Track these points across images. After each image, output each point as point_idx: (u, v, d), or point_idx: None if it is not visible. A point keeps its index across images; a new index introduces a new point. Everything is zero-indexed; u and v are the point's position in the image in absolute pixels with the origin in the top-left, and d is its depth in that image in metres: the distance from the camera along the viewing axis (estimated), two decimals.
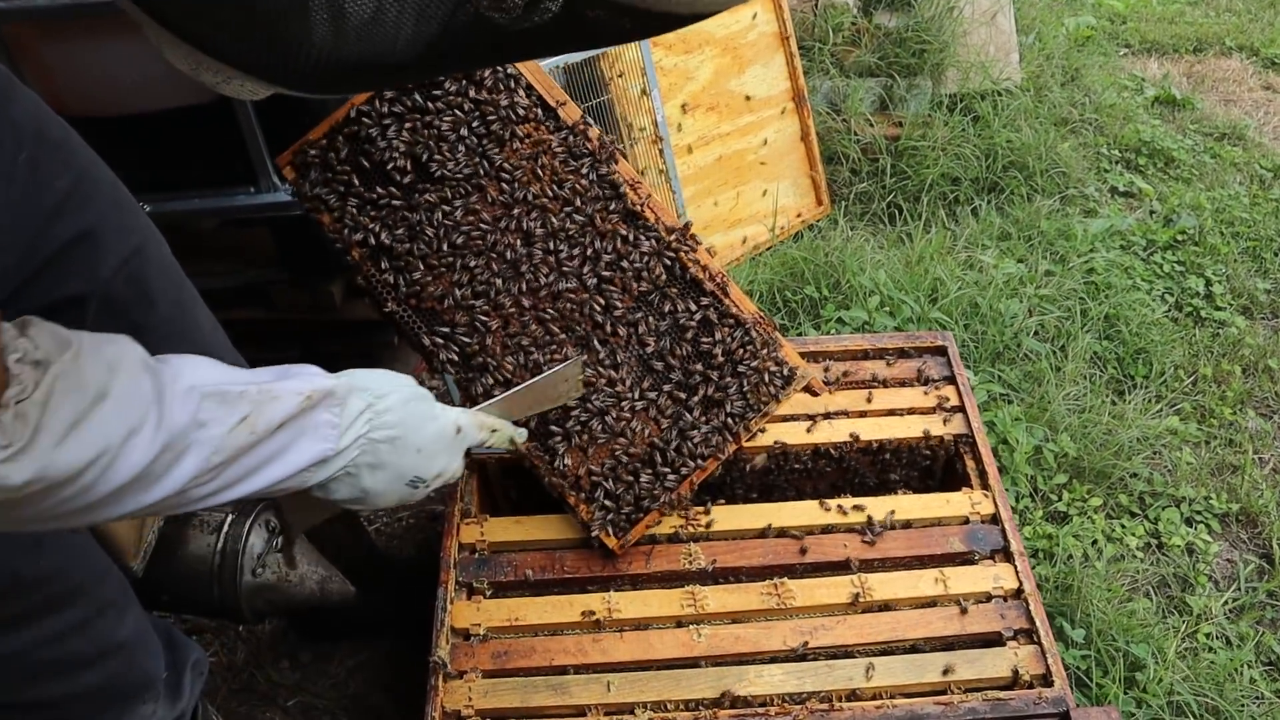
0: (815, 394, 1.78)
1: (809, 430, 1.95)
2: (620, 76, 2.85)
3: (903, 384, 2.06)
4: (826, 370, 2.05)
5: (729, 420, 1.75)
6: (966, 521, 1.84)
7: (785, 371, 1.76)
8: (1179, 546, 2.60)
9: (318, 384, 1.16)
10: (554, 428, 1.72)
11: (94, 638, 1.40)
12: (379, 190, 1.68)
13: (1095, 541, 2.56)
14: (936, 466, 2.03)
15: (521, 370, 1.70)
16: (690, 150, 3.21)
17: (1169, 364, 3.03)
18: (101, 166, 1.52)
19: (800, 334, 2.98)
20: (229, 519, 1.83)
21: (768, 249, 3.39)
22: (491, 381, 1.70)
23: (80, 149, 1.47)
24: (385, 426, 1.21)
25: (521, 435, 1.50)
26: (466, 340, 1.70)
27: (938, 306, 2.97)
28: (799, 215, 3.53)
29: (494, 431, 1.43)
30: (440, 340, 1.71)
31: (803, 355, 2.08)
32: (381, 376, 1.26)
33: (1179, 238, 3.60)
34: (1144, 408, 2.88)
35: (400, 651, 2.39)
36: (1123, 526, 2.62)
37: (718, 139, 3.29)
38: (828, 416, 1.98)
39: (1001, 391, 2.81)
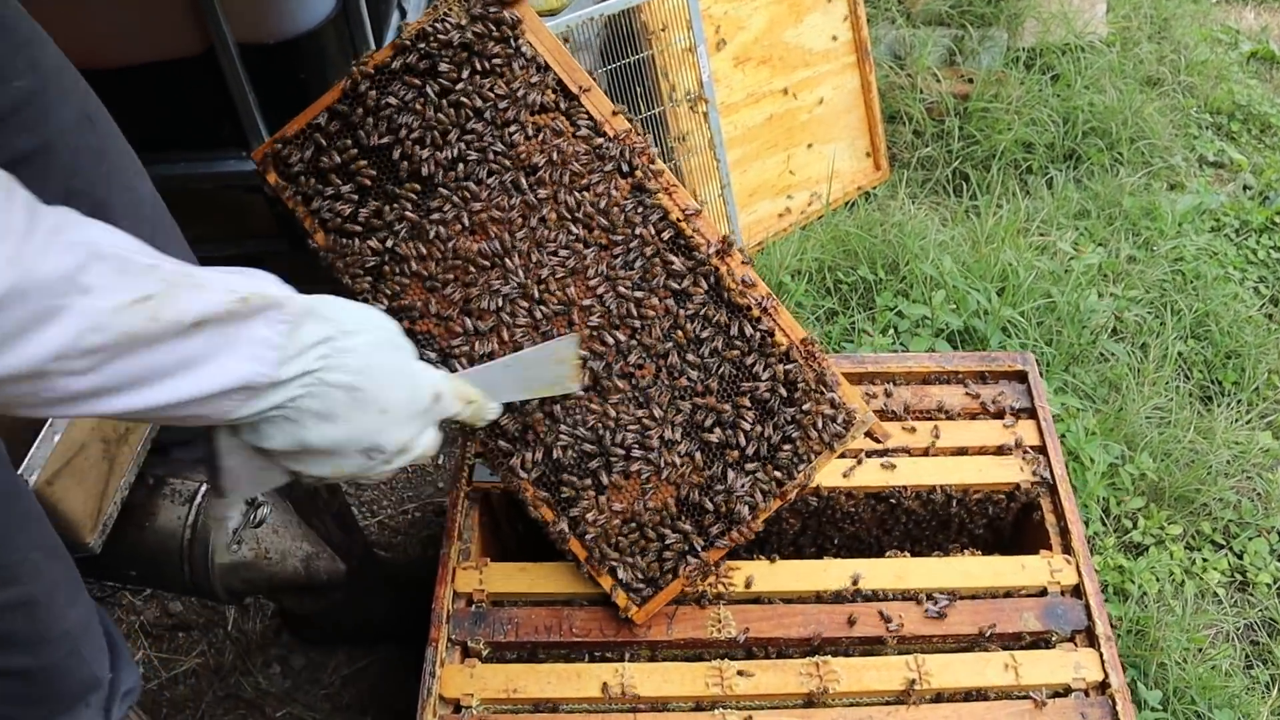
0: (878, 440, 1.50)
1: (858, 471, 1.69)
2: (664, 30, 2.52)
3: (974, 416, 1.78)
4: (889, 396, 1.78)
5: (774, 472, 1.48)
6: (1044, 593, 1.58)
7: (842, 416, 1.47)
8: (1266, 584, 2.32)
9: (266, 290, 0.91)
10: (568, 475, 1.47)
11: (35, 619, 1.22)
12: (369, 201, 1.42)
13: (1173, 575, 2.29)
14: (1007, 517, 1.75)
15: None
16: (738, 108, 2.89)
17: (1263, 370, 2.72)
18: (73, 75, 1.34)
19: (852, 322, 2.70)
20: (202, 489, 1.61)
21: (818, 218, 3.07)
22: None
23: (50, 51, 1.31)
24: (345, 370, 0.96)
25: (495, 412, 1.28)
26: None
27: (1007, 301, 2.66)
28: (854, 181, 3.20)
29: (470, 403, 1.21)
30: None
31: (861, 377, 1.81)
32: (359, 311, 1.01)
33: (1276, 219, 3.25)
34: (1234, 418, 2.58)
35: (401, 659, 2.20)
36: (1204, 560, 2.35)
37: (769, 96, 2.97)
38: (885, 454, 1.71)
39: (1076, 404, 2.51)
